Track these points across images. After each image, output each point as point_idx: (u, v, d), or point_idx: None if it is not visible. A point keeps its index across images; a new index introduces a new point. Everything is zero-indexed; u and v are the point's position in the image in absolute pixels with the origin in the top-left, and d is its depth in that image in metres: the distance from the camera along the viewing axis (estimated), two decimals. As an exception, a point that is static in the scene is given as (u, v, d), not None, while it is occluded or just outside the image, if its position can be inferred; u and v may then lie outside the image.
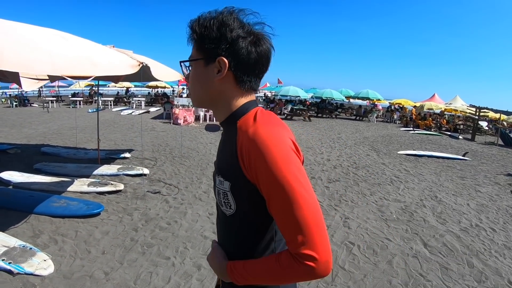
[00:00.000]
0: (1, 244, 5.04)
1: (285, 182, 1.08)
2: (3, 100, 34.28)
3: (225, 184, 1.28)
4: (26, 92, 35.18)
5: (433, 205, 7.86)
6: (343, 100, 38.13)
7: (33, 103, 31.62)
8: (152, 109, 30.38)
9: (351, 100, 41.65)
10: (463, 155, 15.40)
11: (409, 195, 8.50)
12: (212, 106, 1.40)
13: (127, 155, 11.24)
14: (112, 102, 33.84)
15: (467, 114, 30.53)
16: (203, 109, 22.83)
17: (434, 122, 30.51)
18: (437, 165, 13.05)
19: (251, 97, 1.36)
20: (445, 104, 35.94)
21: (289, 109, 30.53)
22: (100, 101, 33.72)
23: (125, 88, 41.11)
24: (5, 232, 5.55)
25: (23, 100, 29.79)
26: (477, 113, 27.25)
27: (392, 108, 37.94)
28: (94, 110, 25.91)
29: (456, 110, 33.57)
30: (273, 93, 46.36)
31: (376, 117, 33.95)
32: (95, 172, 9.01)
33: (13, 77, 6.48)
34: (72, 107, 30.38)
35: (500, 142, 23.05)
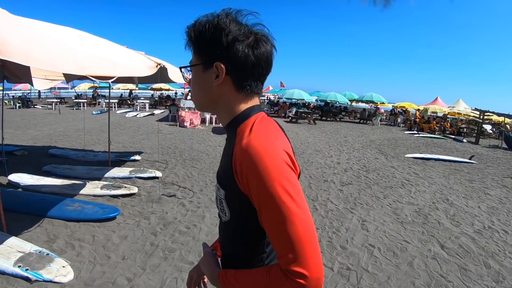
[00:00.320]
0: (16, 250, 4.87)
1: (276, 196, 1.05)
2: (6, 101, 34.16)
3: (221, 191, 1.27)
4: (29, 93, 35.19)
5: (445, 207, 7.97)
6: (347, 103, 38.15)
7: (36, 105, 31.63)
8: (157, 112, 30.36)
9: (354, 103, 41.64)
10: (469, 158, 15.59)
11: (421, 198, 8.60)
12: (214, 110, 1.37)
13: (137, 157, 11.09)
14: (116, 104, 33.83)
15: (471, 117, 30.61)
16: (210, 113, 22.63)
17: (438, 125, 30.50)
18: (445, 168, 13.16)
19: (254, 102, 1.32)
20: (448, 107, 35.98)
21: (293, 112, 30.44)
22: (104, 103, 33.75)
23: (129, 90, 41.03)
24: (18, 236, 5.38)
25: (26, 102, 29.68)
26: (481, 117, 27.33)
27: (396, 111, 37.94)
28: (99, 112, 26.00)
29: (459, 114, 33.62)
30: (277, 96, 46.28)
31: (380, 120, 33.94)
32: (107, 174, 8.86)
33: (25, 77, 6.36)
34: (76, 109, 30.30)
35: (504, 145, 23.28)
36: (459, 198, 8.87)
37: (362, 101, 38.56)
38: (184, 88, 33.67)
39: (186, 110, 21.77)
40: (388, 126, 33.03)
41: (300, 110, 30.75)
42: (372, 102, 37.04)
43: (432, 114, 33.68)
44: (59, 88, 40.05)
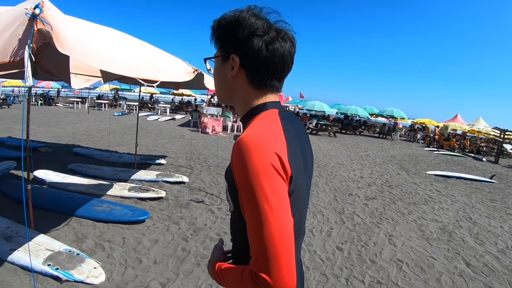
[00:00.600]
0: (45, 248, 4.79)
1: (254, 197, 1.04)
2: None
3: (226, 183, 1.31)
4: (49, 91, 35.53)
5: (469, 226, 7.96)
6: (367, 117, 37.92)
7: (57, 103, 32.01)
8: (178, 117, 30.45)
9: (373, 118, 41.38)
10: (490, 178, 15.40)
11: (445, 216, 8.58)
12: (231, 102, 1.42)
13: (162, 161, 11.07)
14: (136, 107, 33.96)
15: (491, 136, 30.20)
16: (231, 120, 23.12)
17: (457, 143, 30.09)
18: (466, 187, 13.04)
19: (269, 98, 1.34)
20: (468, 125, 35.57)
21: (314, 123, 30.32)
22: (125, 105, 33.96)
23: (150, 94, 41.25)
24: (46, 234, 5.30)
25: (48, 99, 29.97)
26: (502, 136, 27.02)
27: (415, 127, 37.60)
28: (120, 113, 26.18)
29: (479, 132, 33.19)
30: (299, 107, 46.10)
31: (400, 136, 33.66)
32: (133, 177, 8.81)
33: (62, 74, 6.33)
34: (97, 109, 30.59)
35: (525, 166, 22.76)
36: (482, 217, 8.85)
37: (382, 116, 38.26)
38: (208, 95, 33.68)
39: (209, 116, 21.73)
40: (407, 142, 32.90)
41: (321, 122, 30.71)
42: (393, 117, 36.77)
43: (451, 131, 33.25)
44: (81, 89, 40.32)
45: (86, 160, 10.40)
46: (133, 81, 7.94)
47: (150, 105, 36.68)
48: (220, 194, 8.40)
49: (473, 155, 26.79)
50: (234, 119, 23.28)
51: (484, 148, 30.41)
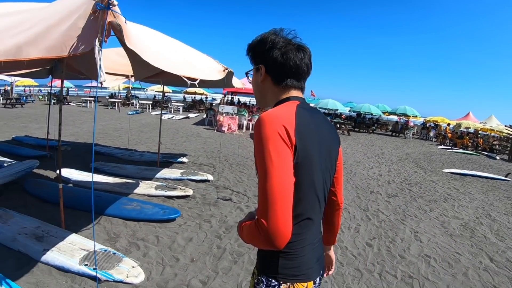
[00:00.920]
0: (79, 247, 4.72)
1: (261, 156, 1.36)
2: (40, 97, 34.87)
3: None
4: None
5: (489, 223, 8.00)
6: (380, 115, 37.64)
7: (70, 102, 32.19)
8: (191, 115, 30.47)
9: (385, 116, 41.00)
10: (506, 176, 15.25)
11: (465, 213, 8.62)
12: (266, 103, 1.79)
13: (184, 159, 11.03)
14: (150, 105, 34.19)
15: (504, 134, 29.84)
16: (247, 118, 23.11)
17: (470, 141, 29.73)
18: (482, 185, 12.96)
19: (291, 93, 1.69)
20: (480, 123, 35.21)
21: None
22: (138, 104, 34.09)
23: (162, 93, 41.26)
24: (78, 233, 5.24)
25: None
26: None
27: (428, 125, 37.26)
28: (134, 112, 26.26)
29: (492, 130, 32.79)
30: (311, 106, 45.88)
31: (412, 134, 33.39)
32: (158, 175, 8.76)
33: (91, 72, 6.31)
34: (110, 108, 30.74)
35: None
36: (500, 214, 8.89)
37: (395, 114, 37.92)
38: (223, 94, 33.63)
39: (224, 115, 21.69)
40: (420, 140, 32.52)
41: (335, 120, 30.59)
42: (406, 115, 36.43)
43: (464, 129, 32.90)
44: (93, 87, 40.51)
45: (107, 158, 10.41)
46: (171, 81, 7.93)
47: (163, 104, 36.57)
48: (246, 192, 8.35)
49: (486, 153, 26.49)
50: (249, 118, 23.26)
51: (497, 146, 30.00)
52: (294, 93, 1.71)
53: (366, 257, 5.30)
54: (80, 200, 6.41)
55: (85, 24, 2.85)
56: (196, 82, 5.08)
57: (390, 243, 5.99)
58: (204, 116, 25.12)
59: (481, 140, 31.14)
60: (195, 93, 41.94)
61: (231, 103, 31.95)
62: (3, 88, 32.23)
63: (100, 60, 2.65)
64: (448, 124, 35.34)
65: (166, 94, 41.78)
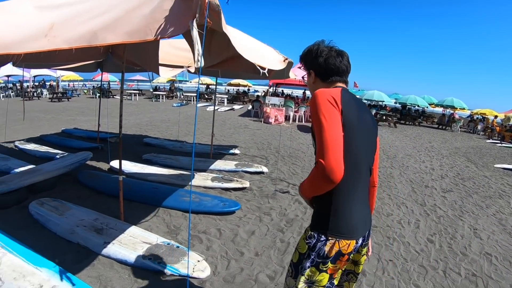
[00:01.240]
0: (140, 240, 4.61)
1: (317, 116, 1.88)
2: (85, 91, 35.64)
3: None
4: (103, 84, 36.38)
5: None
6: (427, 107, 36.45)
7: (115, 95, 32.70)
8: (236, 107, 30.40)
9: (431, 108, 39.61)
10: None
11: None
12: None
13: (236, 151, 10.95)
14: (194, 97, 34.45)
15: None
16: (293, 109, 22.86)
17: None
18: None
19: (338, 84, 2.22)
20: None
21: (373, 113, 29.36)
22: (182, 96, 34.38)
23: (206, 85, 41.52)
24: (137, 226, 5.14)
25: (106, 92, 30.63)
26: None
27: (475, 118, 35.79)
28: (179, 104, 26.42)
29: None
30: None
31: (460, 127, 32.18)
32: (212, 167, 8.68)
33: (150, 65, 6.26)
34: (155, 101, 31.10)
35: None
36: None
37: (442, 106, 36.63)
38: (268, 85, 33.42)
39: (270, 106, 21.50)
40: (467, 133, 31.17)
41: (381, 112, 29.85)
42: (453, 107, 35.11)
43: (513, 123, 31.20)
44: (138, 81, 41.21)
45: (158, 150, 10.43)
46: (228, 71, 7.82)
47: (206, 96, 36.88)
48: (302, 185, 8.07)
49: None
50: (296, 109, 23.00)
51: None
52: (339, 84, 2.21)
53: (429, 254, 5.19)
54: (136, 191, 6.36)
55: (172, 6, 2.62)
56: (265, 71, 4.92)
57: (451, 239, 5.83)
58: (249, 108, 24.96)
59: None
60: (238, 85, 42.02)
61: (274, 94, 31.67)
62: (48, 83, 33.06)
63: (198, 43, 2.43)
64: (496, 117, 33.84)
65: (210, 86, 42.06)
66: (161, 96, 32.49)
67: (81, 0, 3.18)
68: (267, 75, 4.82)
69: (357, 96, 2.52)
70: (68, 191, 6.49)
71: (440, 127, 32.21)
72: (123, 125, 13.50)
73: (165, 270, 4.03)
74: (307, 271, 2.02)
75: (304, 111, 23.12)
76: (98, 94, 29.33)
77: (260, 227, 5.64)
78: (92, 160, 8.32)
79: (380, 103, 34.09)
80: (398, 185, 9.08)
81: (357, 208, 2.04)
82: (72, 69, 9.52)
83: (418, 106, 34.30)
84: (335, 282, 2.16)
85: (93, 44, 2.59)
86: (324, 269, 2.00)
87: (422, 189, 9.04)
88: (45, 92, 29.83)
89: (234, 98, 37.84)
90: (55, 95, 27.02)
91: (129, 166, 7.82)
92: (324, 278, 2.02)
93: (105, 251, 4.35)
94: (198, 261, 4.27)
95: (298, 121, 22.88)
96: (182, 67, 7.09)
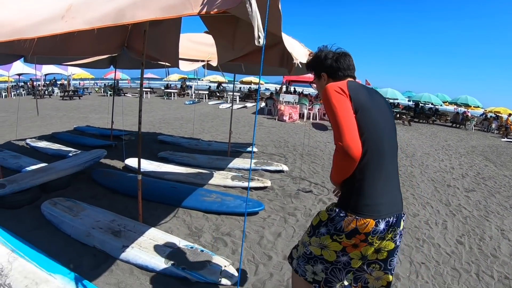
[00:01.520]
0: (162, 243, 4.29)
1: (329, 105, 2.13)
2: (97, 89, 35.65)
3: None
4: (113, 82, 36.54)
5: None
6: (441, 105, 35.92)
7: (126, 93, 32.73)
8: (249, 105, 30.23)
9: (445, 106, 39.04)
10: None
11: None
12: None
13: (254, 149, 10.66)
14: (205, 95, 34.59)
15: None
16: (307, 107, 22.55)
17: None
18: None
19: (348, 79, 2.42)
20: None
21: None
22: (194, 94, 34.30)
23: (217, 83, 41.37)
24: (156, 227, 4.83)
25: (117, 90, 30.56)
26: None
27: (489, 116, 35.18)
28: (191, 102, 26.30)
29: None
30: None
31: (474, 125, 31.66)
32: (230, 165, 8.40)
33: (170, 58, 5.98)
34: (166, 99, 31.02)
35: None
36: None
37: (456, 104, 36.09)
38: (283, 83, 33.14)
39: (284, 104, 21.20)
40: (481, 131, 30.74)
41: (395, 110, 29.44)
42: (467, 105, 34.57)
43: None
44: (149, 79, 41.18)
45: (173, 148, 10.17)
46: (251, 66, 7.54)
47: (218, 94, 36.79)
48: (324, 184, 7.86)
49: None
50: (310, 107, 22.69)
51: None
52: (348, 79, 2.41)
53: (460, 256, 5.02)
54: (154, 191, 6.05)
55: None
56: (298, 62, 4.64)
57: (480, 241, 5.66)
58: (262, 105, 24.72)
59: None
60: (250, 82, 41.87)
61: (287, 92, 31.35)
62: (60, 81, 33.07)
63: (259, 18, 2.08)
64: (510, 115, 33.25)
65: (221, 84, 41.93)
66: (172, 94, 32.44)
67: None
68: (299, 64, 4.56)
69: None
70: (82, 191, 6.22)
71: (454, 125, 31.77)
72: (136, 122, 13.39)
73: (190, 277, 3.70)
74: (323, 238, 2.26)
75: (318, 109, 22.80)
76: (109, 92, 29.31)
77: (286, 229, 5.34)
78: (105, 158, 8.05)
79: (394, 101, 33.63)
80: (421, 184, 8.86)
81: (382, 188, 2.16)
82: (84, 66, 9.27)
83: (432, 104, 33.80)
84: (352, 263, 2.26)
85: (120, 22, 2.25)
86: (338, 240, 2.18)
87: (445, 188, 8.81)
88: (56, 90, 29.83)
89: (246, 96, 37.62)
90: (66, 93, 26.99)
91: (145, 164, 7.52)
92: (336, 246, 2.21)
93: (124, 255, 4.04)
94: (225, 266, 3.94)
95: (312, 119, 22.57)
96: (202, 61, 6.82)
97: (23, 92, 28.23)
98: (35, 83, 29.24)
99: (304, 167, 9.25)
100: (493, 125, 31.15)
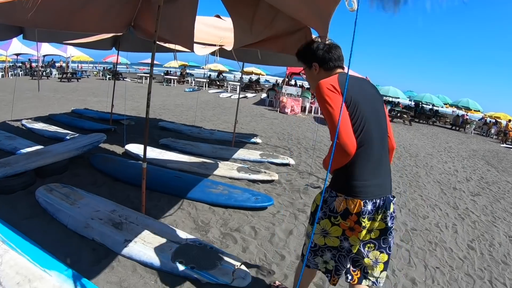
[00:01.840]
0: (168, 238, 3.92)
1: (322, 102, 2.25)
2: (95, 73, 35.30)
3: None
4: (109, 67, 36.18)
5: None
6: (442, 107, 35.76)
7: (125, 78, 32.51)
8: (249, 95, 30.02)
9: (445, 108, 38.95)
10: None
11: None
12: None
13: (258, 140, 10.33)
14: (206, 83, 34.57)
15: None
16: (310, 101, 22.28)
17: None
18: None
19: (338, 71, 2.56)
20: None
21: (388, 109, 28.74)
22: (194, 81, 34.05)
23: (218, 71, 41.04)
24: (160, 220, 4.48)
25: (116, 74, 30.30)
26: None
27: (488, 121, 35.09)
28: (191, 90, 26.05)
29: None
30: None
31: (474, 129, 31.52)
32: (235, 156, 8.05)
33: (184, 41, 5.62)
34: (166, 85, 30.84)
35: None
36: None
37: (457, 106, 35.95)
38: (286, 75, 32.76)
39: (286, 96, 20.91)
40: (480, 136, 30.87)
41: (397, 109, 29.32)
42: (468, 108, 34.42)
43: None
44: (148, 64, 40.85)
45: (175, 135, 9.85)
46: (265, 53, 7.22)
47: (218, 83, 36.55)
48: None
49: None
50: (312, 100, 22.34)
51: None
52: (339, 70, 2.55)
53: (473, 261, 4.92)
54: (157, 180, 5.66)
55: None
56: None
57: (490, 246, 5.57)
58: (263, 96, 24.54)
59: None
60: (252, 73, 41.63)
61: (289, 84, 31.02)
62: (58, 63, 32.69)
63: None
64: (509, 121, 33.10)
65: (222, 73, 41.65)
66: (172, 80, 32.21)
67: None
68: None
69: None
70: (80, 176, 5.84)
71: (454, 128, 31.72)
72: (135, 107, 13.06)
73: (201, 277, 3.35)
74: (322, 222, 2.43)
75: (321, 103, 22.37)
76: (108, 76, 28.97)
77: (297, 226, 5.03)
78: (105, 143, 7.66)
79: (395, 99, 33.38)
80: (427, 186, 8.69)
81: (371, 172, 2.31)
82: (86, 46, 8.84)
83: (433, 105, 33.66)
84: (353, 249, 2.45)
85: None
86: (336, 222, 2.37)
87: (451, 191, 8.65)
88: (54, 72, 29.37)
89: (247, 86, 37.40)
90: (64, 75, 26.57)
91: (147, 151, 7.15)
92: (337, 230, 2.41)
93: (126, 250, 3.68)
94: (238, 266, 3.59)
95: (314, 112, 22.18)
96: (214, 45, 6.47)
97: (20, 73, 27.88)
98: (33, 64, 28.88)
99: (310, 161, 8.94)
100: (493, 130, 31.12)
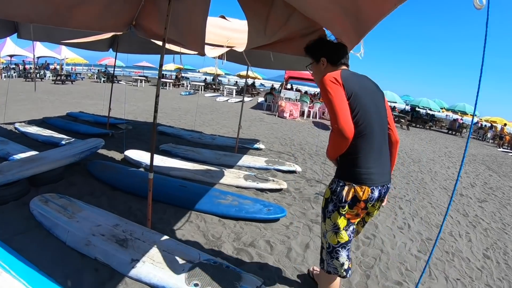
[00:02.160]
0: (179, 257, 3.52)
1: (325, 92, 2.36)
2: (89, 75, 35.02)
3: None
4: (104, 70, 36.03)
5: None
6: (438, 111, 35.84)
7: (120, 81, 32.36)
8: (246, 99, 29.60)
9: (442, 112, 39.14)
10: None
11: None
12: None
13: (261, 146, 9.98)
14: (202, 87, 34.51)
15: None
16: (308, 105, 22.09)
17: None
18: None
19: (343, 67, 2.72)
20: None
21: None
22: (189, 85, 33.89)
23: (214, 75, 40.91)
24: (167, 235, 4.10)
25: (111, 77, 29.93)
26: None
27: (484, 125, 35.18)
28: (187, 93, 25.94)
29: None
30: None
31: None
32: (240, 163, 7.68)
33: (194, 42, 5.24)
34: (161, 88, 30.54)
35: None
36: None
37: (453, 111, 36.08)
38: (285, 79, 32.48)
39: (285, 100, 20.66)
40: (477, 140, 31.24)
41: (394, 114, 29.16)
42: (464, 113, 34.49)
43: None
44: (143, 67, 40.66)
45: (174, 140, 9.48)
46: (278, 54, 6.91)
47: (214, 86, 36.43)
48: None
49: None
50: (311, 105, 22.27)
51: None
52: (343, 67, 2.73)
53: (491, 271, 4.73)
54: (161, 189, 5.21)
55: None
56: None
57: (504, 255, 5.39)
58: (260, 100, 24.37)
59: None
60: (248, 76, 41.36)
61: (286, 88, 30.86)
62: (52, 65, 32.36)
63: None
64: (505, 125, 33.16)
65: (218, 76, 41.56)
66: (167, 84, 32.11)
67: None
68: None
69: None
70: (77, 185, 5.44)
71: (450, 132, 31.90)
72: (132, 111, 12.72)
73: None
74: (332, 215, 2.52)
75: (319, 108, 22.35)
76: (103, 79, 28.69)
77: (312, 239, 4.69)
78: (102, 148, 7.21)
79: (391, 104, 33.29)
80: (435, 192, 8.46)
81: (374, 160, 2.44)
82: (83, 46, 8.46)
83: (430, 109, 33.68)
84: (355, 228, 2.65)
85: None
86: (343, 213, 2.48)
87: (459, 197, 8.44)
88: (48, 74, 29.03)
89: (242, 90, 37.29)
90: (58, 78, 26.26)
91: (147, 157, 6.72)
92: (343, 222, 2.51)
93: (134, 272, 3.29)
94: (257, 286, 3.20)
95: (313, 117, 22.10)
96: (223, 46, 6.14)
97: (14, 74, 27.50)
98: (27, 65, 28.56)
99: (316, 168, 8.64)
100: (489, 135, 31.28)
